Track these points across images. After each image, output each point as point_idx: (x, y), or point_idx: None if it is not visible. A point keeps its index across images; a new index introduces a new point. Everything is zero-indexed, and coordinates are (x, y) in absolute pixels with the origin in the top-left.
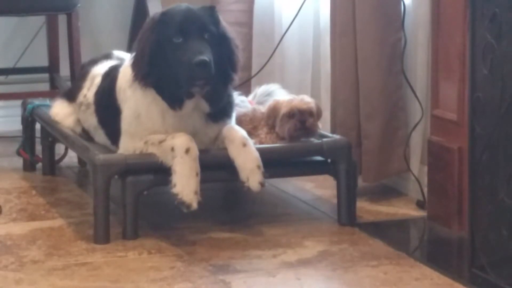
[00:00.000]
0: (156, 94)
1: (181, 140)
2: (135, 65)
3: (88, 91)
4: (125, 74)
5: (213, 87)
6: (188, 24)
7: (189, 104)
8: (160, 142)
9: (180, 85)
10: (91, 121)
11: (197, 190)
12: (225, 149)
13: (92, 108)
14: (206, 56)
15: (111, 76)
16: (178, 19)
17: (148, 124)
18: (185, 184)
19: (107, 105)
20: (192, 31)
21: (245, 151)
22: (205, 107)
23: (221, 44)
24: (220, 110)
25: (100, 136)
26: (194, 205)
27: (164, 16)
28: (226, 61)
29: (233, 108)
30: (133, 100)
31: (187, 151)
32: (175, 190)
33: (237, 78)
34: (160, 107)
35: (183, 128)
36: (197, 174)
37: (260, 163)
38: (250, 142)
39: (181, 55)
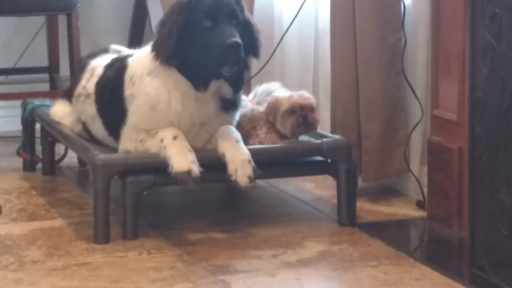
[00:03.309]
0: (176, 79)
1: (168, 132)
2: (159, 46)
3: (88, 82)
4: (140, 62)
5: (238, 72)
6: (217, 9)
7: (213, 86)
8: (156, 133)
9: (208, 67)
10: (89, 111)
11: (194, 160)
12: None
13: (92, 98)
14: (238, 39)
15: (116, 66)
16: (207, 3)
17: (163, 112)
18: (180, 159)
19: (110, 94)
20: (221, 16)
21: (237, 146)
22: (227, 91)
23: (245, 30)
24: (232, 99)
25: (97, 127)
26: (195, 170)
27: (192, 0)
28: (249, 48)
29: (241, 101)
30: (152, 87)
31: (175, 138)
32: (173, 168)
33: (253, 65)
34: (181, 91)
35: (199, 116)
36: (190, 150)
37: (251, 159)
38: (242, 142)
39: (210, 38)
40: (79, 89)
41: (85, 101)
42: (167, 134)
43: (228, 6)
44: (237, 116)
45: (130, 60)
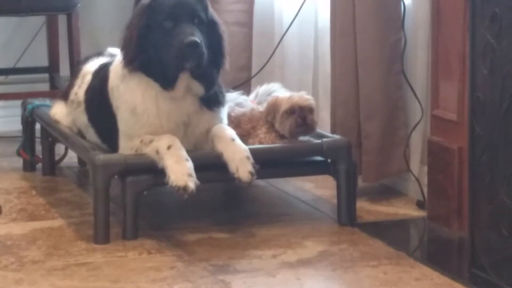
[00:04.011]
0: (148, 81)
1: (162, 141)
2: (124, 50)
3: (79, 89)
4: (117, 70)
5: (205, 70)
6: (179, 10)
7: (181, 84)
8: (151, 142)
9: (170, 66)
10: (82, 119)
11: (190, 173)
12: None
13: (83, 106)
14: (197, 37)
15: (101, 74)
16: (168, 4)
17: (143, 117)
18: (176, 170)
19: (98, 104)
20: (183, 17)
21: (234, 145)
22: (198, 89)
23: (210, 30)
24: (212, 97)
25: (91, 134)
26: (191, 186)
27: (154, 2)
28: (215, 46)
29: (225, 97)
30: (128, 93)
31: (169, 147)
32: (170, 180)
33: (227, 62)
34: (154, 92)
35: (178, 116)
36: (187, 160)
37: (250, 155)
38: (238, 139)
39: (171, 38)
40: (72, 96)
41: (77, 109)
42: (161, 144)
43: (189, 6)
44: (224, 113)
45: (111, 68)
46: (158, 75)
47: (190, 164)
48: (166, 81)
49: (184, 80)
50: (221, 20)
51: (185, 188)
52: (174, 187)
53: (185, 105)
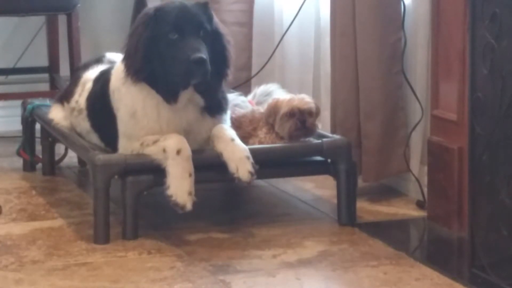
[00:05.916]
0: (150, 88)
1: (172, 141)
2: (127, 60)
3: (80, 97)
4: (118, 74)
5: (208, 82)
6: (184, 21)
7: (183, 97)
8: (154, 142)
9: (175, 81)
10: (83, 125)
11: (191, 191)
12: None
13: (84, 113)
14: (203, 54)
15: (102, 80)
16: (173, 15)
17: (143, 121)
18: (178, 185)
19: (100, 109)
20: (188, 29)
21: (233, 144)
22: (200, 101)
23: (215, 41)
24: (215, 104)
25: (94, 139)
26: (188, 206)
27: (159, 12)
28: (219, 57)
29: (228, 104)
30: (129, 97)
31: (179, 152)
32: (169, 192)
33: (230, 73)
34: (155, 100)
35: (178, 123)
36: (190, 175)
37: (249, 155)
38: (238, 139)
39: (177, 51)
40: (72, 103)
41: (78, 116)
42: (169, 144)
43: (195, 17)
44: (227, 118)
45: (112, 71)
46: (162, 88)
47: (192, 180)
48: (170, 96)
49: (186, 94)
50: (221, 20)
51: (182, 207)
52: (172, 201)
53: (186, 113)
